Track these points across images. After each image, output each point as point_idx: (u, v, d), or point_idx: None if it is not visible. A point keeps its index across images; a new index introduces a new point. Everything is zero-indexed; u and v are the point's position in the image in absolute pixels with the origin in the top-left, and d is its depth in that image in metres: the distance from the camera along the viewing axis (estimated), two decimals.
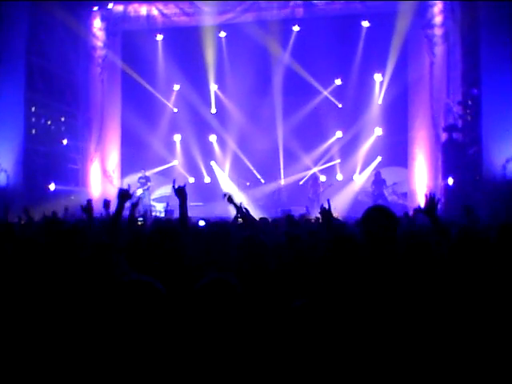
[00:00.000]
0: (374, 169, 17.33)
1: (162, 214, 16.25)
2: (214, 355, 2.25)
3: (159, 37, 18.19)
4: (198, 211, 13.66)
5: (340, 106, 17.74)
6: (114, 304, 2.14)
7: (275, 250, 3.80)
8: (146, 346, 2.09)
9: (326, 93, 17.78)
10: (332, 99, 17.78)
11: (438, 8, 15.28)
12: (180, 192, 4.28)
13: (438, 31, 15.21)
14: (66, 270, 2.53)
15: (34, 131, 14.82)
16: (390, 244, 3.24)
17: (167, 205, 16.19)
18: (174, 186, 4.31)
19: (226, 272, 2.52)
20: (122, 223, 4.15)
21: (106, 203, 4.91)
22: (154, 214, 16.82)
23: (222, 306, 2.32)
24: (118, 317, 2.11)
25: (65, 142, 16.11)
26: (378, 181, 16.56)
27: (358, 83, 17.14)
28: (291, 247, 3.95)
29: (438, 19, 15.25)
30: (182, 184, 4.35)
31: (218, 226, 4.32)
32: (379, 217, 3.27)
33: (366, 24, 16.99)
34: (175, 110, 18.79)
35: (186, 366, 2.20)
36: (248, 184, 18.28)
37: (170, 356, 2.17)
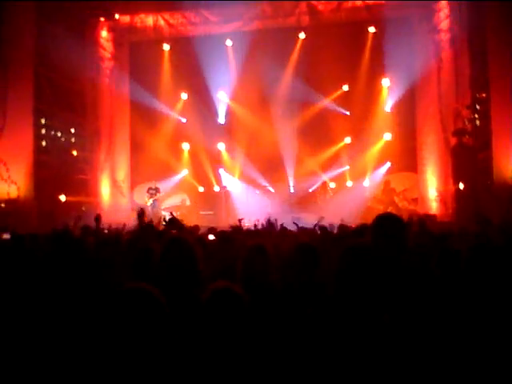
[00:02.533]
0: (383, 175, 17.27)
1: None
2: (219, 365, 2.23)
3: (166, 47, 18.25)
4: (208, 220, 13.71)
5: (348, 113, 17.70)
6: (111, 312, 2.14)
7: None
8: (146, 355, 2.08)
9: (331, 99, 17.73)
10: (338, 107, 17.72)
11: (444, 13, 15.26)
12: (171, 222, 4.41)
13: (444, 36, 15.19)
14: (69, 281, 2.53)
15: (43, 142, 14.90)
16: (402, 252, 3.21)
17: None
18: (169, 218, 4.45)
19: (232, 282, 2.50)
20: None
21: (98, 217, 5.00)
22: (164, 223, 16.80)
23: (229, 317, 2.30)
24: (114, 325, 2.11)
25: (74, 153, 16.18)
26: (387, 190, 16.57)
27: (365, 89, 17.09)
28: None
29: (444, 24, 15.23)
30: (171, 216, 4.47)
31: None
32: (388, 225, 3.24)
33: (372, 30, 16.97)
34: (183, 120, 18.81)
35: (189, 376, 2.18)
36: (258, 193, 18.25)
37: (171, 365, 2.16)
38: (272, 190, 18.26)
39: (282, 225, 9.03)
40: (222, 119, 18.72)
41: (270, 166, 18.03)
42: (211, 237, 5.91)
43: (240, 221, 9.22)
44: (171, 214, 4.45)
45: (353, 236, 5.17)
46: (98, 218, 4.84)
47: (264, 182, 18.28)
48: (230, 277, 3.48)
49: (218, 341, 2.30)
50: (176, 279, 3.22)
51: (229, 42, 17.97)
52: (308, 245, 3.97)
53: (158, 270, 3.45)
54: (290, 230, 8.29)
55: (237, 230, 6.90)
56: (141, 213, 4.29)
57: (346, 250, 2.95)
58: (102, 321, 2.19)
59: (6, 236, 6.60)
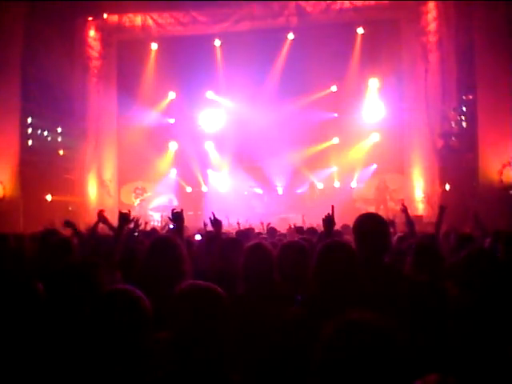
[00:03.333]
0: (370, 175, 17.36)
1: (159, 224, 16.20)
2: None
3: (154, 46, 18.19)
4: (194, 220, 13.66)
5: (336, 115, 17.78)
6: (96, 314, 2.14)
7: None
8: (126, 354, 2.09)
9: (318, 98, 17.76)
10: (326, 107, 17.77)
11: (432, 15, 15.36)
12: (177, 217, 4.33)
13: (432, 38, 15.29)
14: (56, 283, 2.52)
15: (29, 142, 14.78)
16: (384, 251, 3.22)
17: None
18: (172, 212, 4.37)
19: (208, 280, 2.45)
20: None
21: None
22: (151, 223, 16.79)
23: (204, 312, 2.22)
24: (101, 326, 2.12)
25: (61, 152, 16.07)
26: (382, 188, 16.70)
27: (353, 90, 17.15)
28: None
29: (432, 26, 15.33)
30: (179, 210, 4.40)
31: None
32: (370, 224, 3.26)
33: (360, 31, 17.03)
34: (171, 120, 18.77)
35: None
36: (246, 193, 18.26)
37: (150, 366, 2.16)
38: (260, 191, 18.27)
39: (269, 224, 9.08)
40: (209, 118, 18.71)
41: (257, 167, 18.07)
42: (198, 237, 5.91)
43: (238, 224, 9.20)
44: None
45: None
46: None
47: (252, 183, 18.30)
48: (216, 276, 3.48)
49: (188, 340, 2.22)
50: (161, 279, 3.21)
51: (217, 42, 17.98)
52: (297, 243, 4.00)
53: (144, 269, 3.45)
54: (279, 231, 8.33)
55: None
56: (124, 217, 4.19)
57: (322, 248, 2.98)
58: (88, 322, 2.19)
59: None
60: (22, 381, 2.30)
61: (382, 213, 12.94)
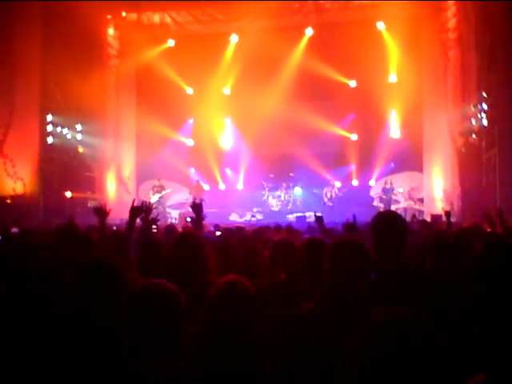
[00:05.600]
0: (387, 174, 17.20)
1: (176, 221, 16.28)
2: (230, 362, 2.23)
3: (171, 43, 18.22)
4: (213, 217, 13.73)
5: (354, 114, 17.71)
6: (133, 308, 2.13)
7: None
8: (166, 349, 2.08)
9: (334, 93, 17.69)
10: (345, 105, 17.67)
11: (451, 12, 15.20)
12: (196, 207, 4.39)
13: (451, 35, 15.13)
14: (75, 275, 2.52)
15: (49, 139, 14.94)
16: (399, 250, 3.19)
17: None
18: (192, 203, 4.45)
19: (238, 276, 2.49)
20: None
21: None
22: (169, 220, 16.89)
23: (238, 310, 2.30)
24: (138, 321, 2.10)
25: (81, 150, 16.21)
26: (387, 188, 16.54)
27: (372, 86, 16.96)
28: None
29: (451, 23, 15.17)
30: (198, 201, 4.47)
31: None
32: (387, 223, 3.23)
33: (380, 26, 16.86)
34: (190, 120, 18.85)
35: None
36: (263, 192, 18.30)
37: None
38: (277, 191, 18.24)
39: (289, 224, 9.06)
40: (226, 116, 18.75)
41: (275, 165, 18.06)
42: (218, 233, 5.92)
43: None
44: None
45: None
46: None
47: (269, 182, 18.30)
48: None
49: (227, 335, 2.29)
50: (186, 276, 3.21)
51: (235, 39, 17.96)
52: (316, 239, 3.96)
53: (168, 265, 3.45)
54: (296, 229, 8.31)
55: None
56: (134, 212, 4.15)
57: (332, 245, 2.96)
58: (120, 316, 2.18)
59: (15, 230, 6.63)
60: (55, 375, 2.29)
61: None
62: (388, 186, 16.50)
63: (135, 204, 4.28)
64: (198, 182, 17.64)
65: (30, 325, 2.44)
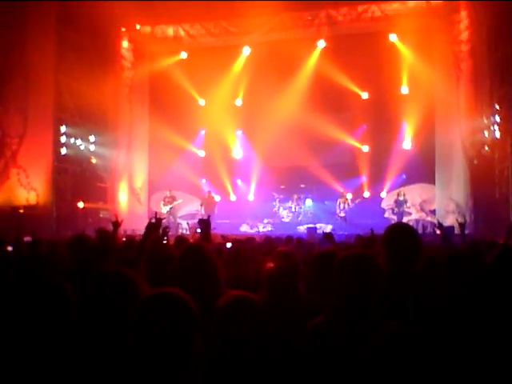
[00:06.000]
0: (399, 186, 17.10)
1: (188, 232, 16.30)
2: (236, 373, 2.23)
3: (186, 56, 18.36)
4: (224, 228, 13.75)
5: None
6: (145, 317, 2.12)
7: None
8: (175, 360, 2.07)
9: (346, 105, 17.67)
10: (357, 116, 17.64)
11: (464, 24, 15.19)
12: (204, 224, 4.46)
13: (464, 47, 15.11)
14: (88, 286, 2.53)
15: (63, 150, 15.07)
16: (413, 263, 3.17)
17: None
18: (199, 220, 4.52)
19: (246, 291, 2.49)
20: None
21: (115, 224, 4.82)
22: (180, 231, 16.91)
23: (246, 324, 2.30)
24: (150, 331, 2.09)
25: (94, 160, 16.33)
26: (400, 200, 16.42)
27: (384, 98, 16.94)
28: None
29: (464, 35, 15.15)
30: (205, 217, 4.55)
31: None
32: (402, 235, 3.22)
33: (392, 38, 16.85)
34: (202, 132, 18.96)
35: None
36: (274, 204, 18.28)
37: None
38: (288, 202, 18.21)
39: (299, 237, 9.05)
40: (238, 128, 18.82)
41: (286, 177, 18.06)
42: (229, 245, 5.91)
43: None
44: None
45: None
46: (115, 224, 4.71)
47: (280, 193, 18.29)
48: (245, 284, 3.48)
49: (235, 349, 2.29)
50: (194, 287, 3.20)
51: (247, 51, 18.05)
52: (329, 252, 3.94)
53: (177, 277, 3.45)
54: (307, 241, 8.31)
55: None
56: (152, 227, 4.16)
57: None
58: (133, 327, 2.17)
59: (28, 239, 6.69)
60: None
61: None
62: (401, 198, 16.39)
63: (154, 219, 4.28)
64: (209, 192, 17.69)
65: (38, 335, 2.45)
